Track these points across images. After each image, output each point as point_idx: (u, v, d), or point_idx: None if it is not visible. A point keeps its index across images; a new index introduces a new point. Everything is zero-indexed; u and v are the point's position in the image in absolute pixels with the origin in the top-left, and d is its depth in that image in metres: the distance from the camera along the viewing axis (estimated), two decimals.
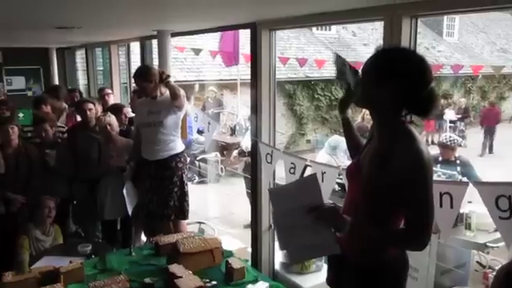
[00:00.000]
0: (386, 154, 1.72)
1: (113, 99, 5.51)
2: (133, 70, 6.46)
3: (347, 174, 2.04)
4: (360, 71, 1.82)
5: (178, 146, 3.85)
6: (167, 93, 3.76)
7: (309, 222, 1.74)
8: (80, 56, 8.59)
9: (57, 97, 5.50)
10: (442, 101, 15.24)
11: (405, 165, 1.65)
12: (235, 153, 7.22)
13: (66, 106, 5.55)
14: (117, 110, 4.51)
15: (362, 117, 7.05)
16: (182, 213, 3.90)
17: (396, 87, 1.67)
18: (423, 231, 1.68)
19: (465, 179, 4.01)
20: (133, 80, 6.37)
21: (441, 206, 2.31)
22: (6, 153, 3.91)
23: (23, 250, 3.45)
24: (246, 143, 6.55)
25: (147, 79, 3.71)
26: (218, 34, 9.27)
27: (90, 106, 4.26)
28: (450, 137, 5.21)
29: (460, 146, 5.00)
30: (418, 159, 1.66)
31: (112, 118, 4.08)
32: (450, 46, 18.27)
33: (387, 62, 1.72)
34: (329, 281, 2.13)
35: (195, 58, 10.01)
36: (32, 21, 3.85)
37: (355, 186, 1.91)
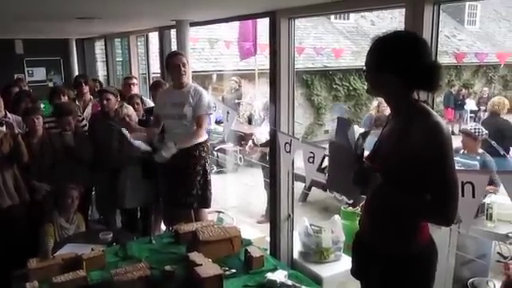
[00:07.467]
0: (403, 132, 1.72)
1: (135, 89, 5.49)
2: (151, 61, 6.52)
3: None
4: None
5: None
6: (190, 84, 3.79)
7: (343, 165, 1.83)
8: (99, 47, 8.66)
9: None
10: (463, 90, 14.98)
11: (425, 140, 1.65)
12: (250, 143, 7.22)
13: (91, 97, 5.58)
14: (134, 100, 4.55)
15: (376, 109, 7.03)
16: (205, 201, 3.91)
17: (395, 68, 1.71)
18: (451, 205, 1.67)
19: None
20: (152, 69, 6.49)
21: (463, 195, 2.27)
22: (31, 142, 3.97)
23: (48, 238, 3.52)
24: (258, 135, 6.52)
25: (186, 58, 3.78)
26: (234, 25, 9.23)
27: (110, 96, 4.29)
28: (476, 125, 4.85)
29: (483, 137, 4.55)
30: (438, 132, 1.65)
31: (129, 109, 4.12)
32: (471, 34, 17.88)
33: (381, 49, 1.78)
34: (354, 272, 2.12)
35: (213, 48, 10.00)
36: (54, 11, 3.90)
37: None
